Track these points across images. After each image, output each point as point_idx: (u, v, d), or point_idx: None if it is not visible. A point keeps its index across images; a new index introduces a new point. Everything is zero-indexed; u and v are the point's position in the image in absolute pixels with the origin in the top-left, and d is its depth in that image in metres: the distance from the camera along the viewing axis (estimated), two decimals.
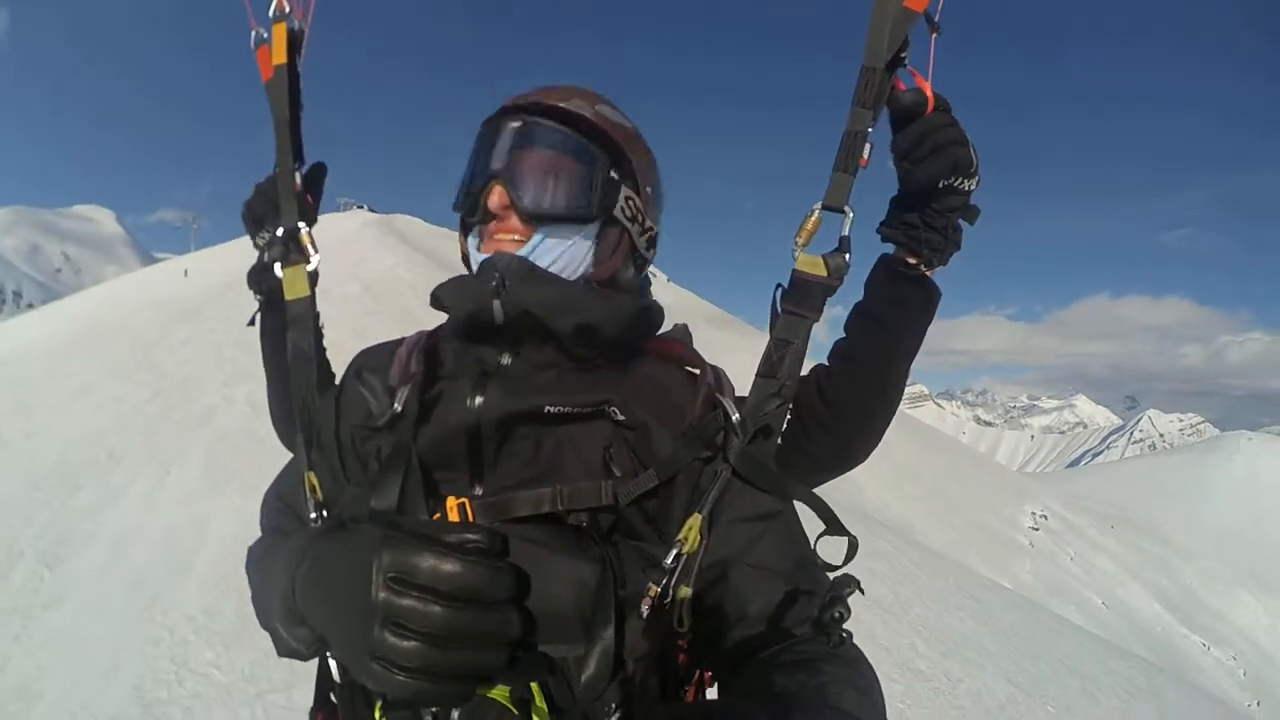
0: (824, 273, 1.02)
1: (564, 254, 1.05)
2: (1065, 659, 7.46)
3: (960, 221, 1.11)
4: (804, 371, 1.11)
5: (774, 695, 0.77)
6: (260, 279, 1.37)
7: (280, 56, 1.18)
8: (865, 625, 6.20)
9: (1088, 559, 29.15)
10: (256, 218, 1.32)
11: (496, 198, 1.02)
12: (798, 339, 1.02)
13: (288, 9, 1.18)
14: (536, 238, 1.03)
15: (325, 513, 1.04)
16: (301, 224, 1.18)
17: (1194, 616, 27.71)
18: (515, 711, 0.82)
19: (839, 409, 1.16)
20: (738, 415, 0.97)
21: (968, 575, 10.79)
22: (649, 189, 1.15)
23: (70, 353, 10.93)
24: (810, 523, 1.00)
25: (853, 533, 0.92)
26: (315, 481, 1.05)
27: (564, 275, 1.05)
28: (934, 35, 1.00)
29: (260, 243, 1.32)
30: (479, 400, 0.99)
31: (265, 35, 1.19)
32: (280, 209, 1.20)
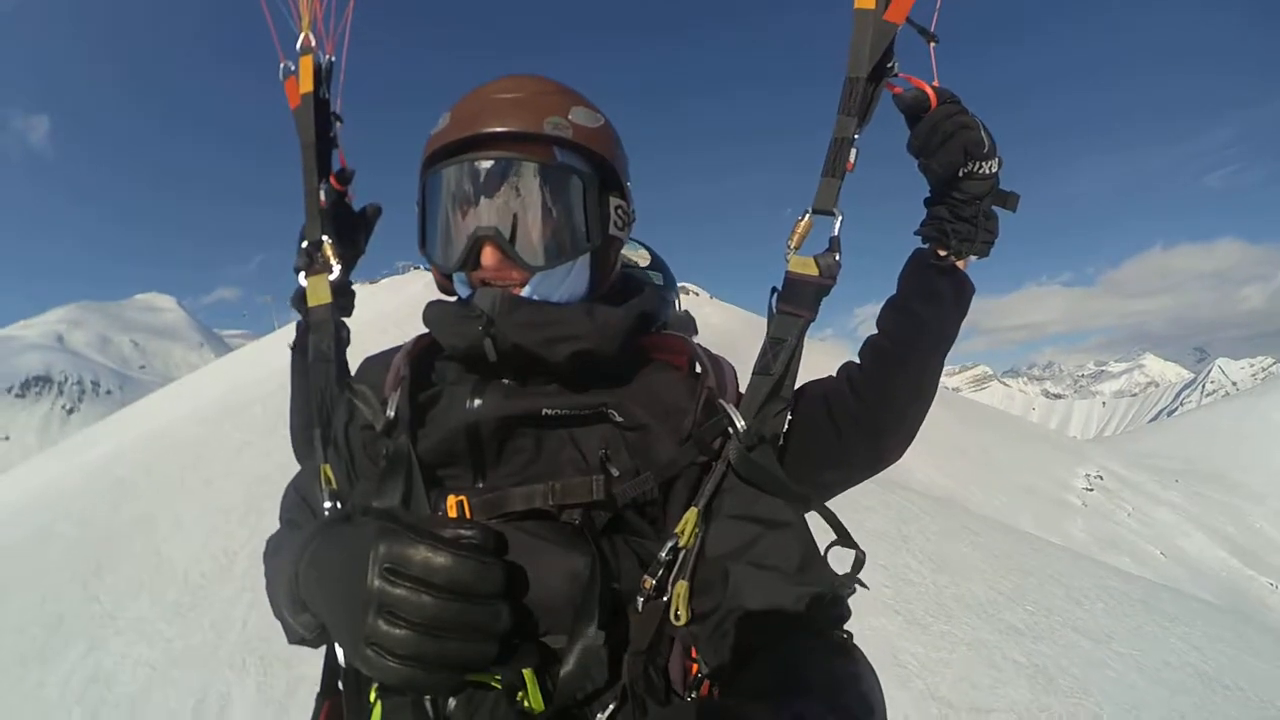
0: (816, 272, 1.03)
1: (563, 284, 1.04)
2: (1057, 574, 8.52)
3: (998, 210, 1.10)
4: (820, 373, 1.12)
5: (769, 693, 0.76)
6: (301, 296, 1.36)
7: (306, 85, 1.28)
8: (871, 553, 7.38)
9: (1146, 513, 28.95)
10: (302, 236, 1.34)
11: (490, 257, 0.99)
12: (791, 337, 1.02)
13: (312, 43, 1.30)
14: (535, 280, 1.00)
15: (339, 504, 1.05)
16: (325, 237, 1.25)
17: (1263, 558, 27.00)
18: (510, 698, 0.84)
19: (873, 405, 1.12)
20: (742, 423, 0.97)
21: (1006, 531, 11.33)
22: (627, 182, 1.12)
23: (220, 418, 12.02)
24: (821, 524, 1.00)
25: (861, 541, 0.94)
26: (330, 474, 1.07)
27: (565, 301, 1.04)
28: (932, 45, 1.06)
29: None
30: (477, 402, 0.99)
31: (293, 68, 1.30)
32: (306, 224, 1.27)
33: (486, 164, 0.99)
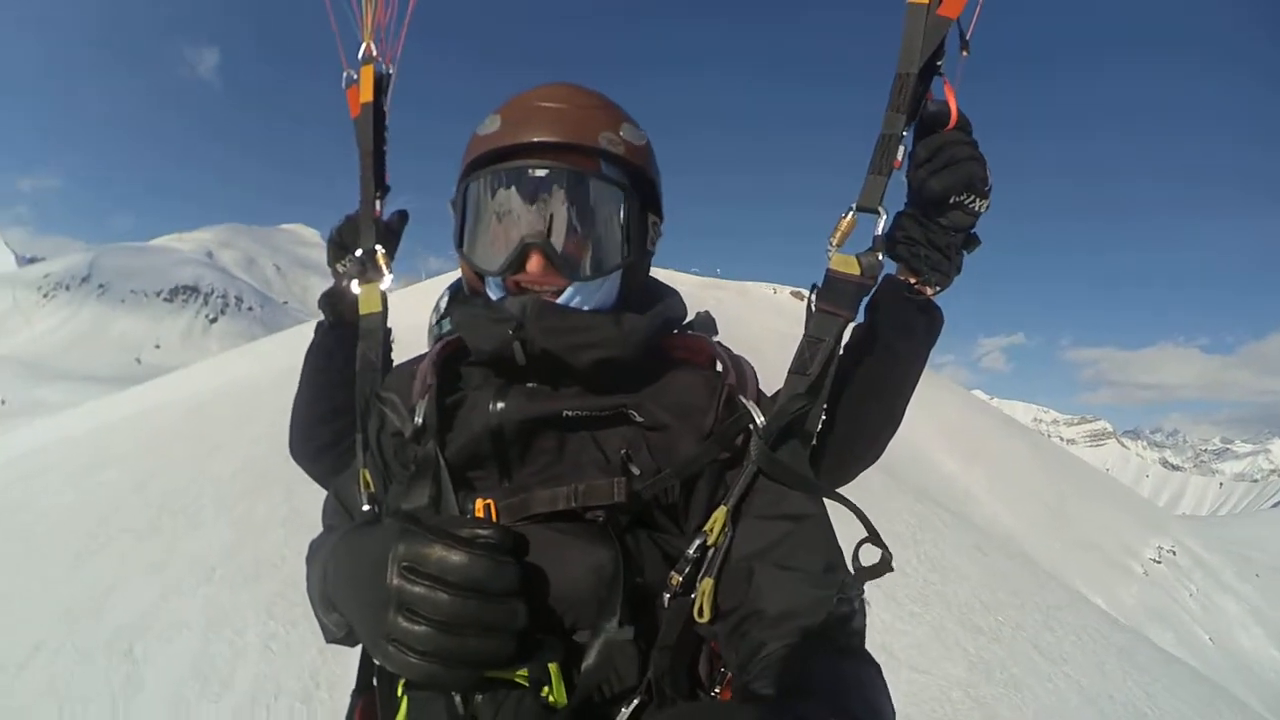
0: (858, 271, 1.02)
1: (596, 294, 1.06)
2: (1043, 604, 9.39)
3: (963, 250, 1.11)
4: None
5: (774, 695, 0.77)
6: (332, 302, 1.39)
7: (366, 95, 1.32)
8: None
9: (1211, 598, 28.14)
10: (342, 244, 1.36)
11: (536, 265, 1.01)
12: (829, 337, 1.01)
13: (374, 53, 1.33)
14: (572, 288, 1.03)
15: (376, 507, 1.09)
16: (379, 246, 1.29)
17: None
18: (535, 693, 0.85)
19: (844, 435, 1.16)
20: (761, 419, 0.98)
21: (1016, 559, 11.92)
22: (662, 198, 1.15)
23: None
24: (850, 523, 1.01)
25: (889, 543, 0.92)
26: (368, 478, 1.11)
27: (594, 309, 1.05)
28: (964, 54, 1.04)
29: (341, 269, 1.36)
30: (500, 405, 1.00)
31: (355, 76, 1.33)
32: (360, 232, 1.31)
33: (540, 172, 1.01)
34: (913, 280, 1.12)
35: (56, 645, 6.00)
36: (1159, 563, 29.42)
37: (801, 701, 0.73)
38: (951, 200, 1.05)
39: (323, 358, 1.40)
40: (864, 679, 0.79)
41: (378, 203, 1.33)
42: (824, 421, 1.11)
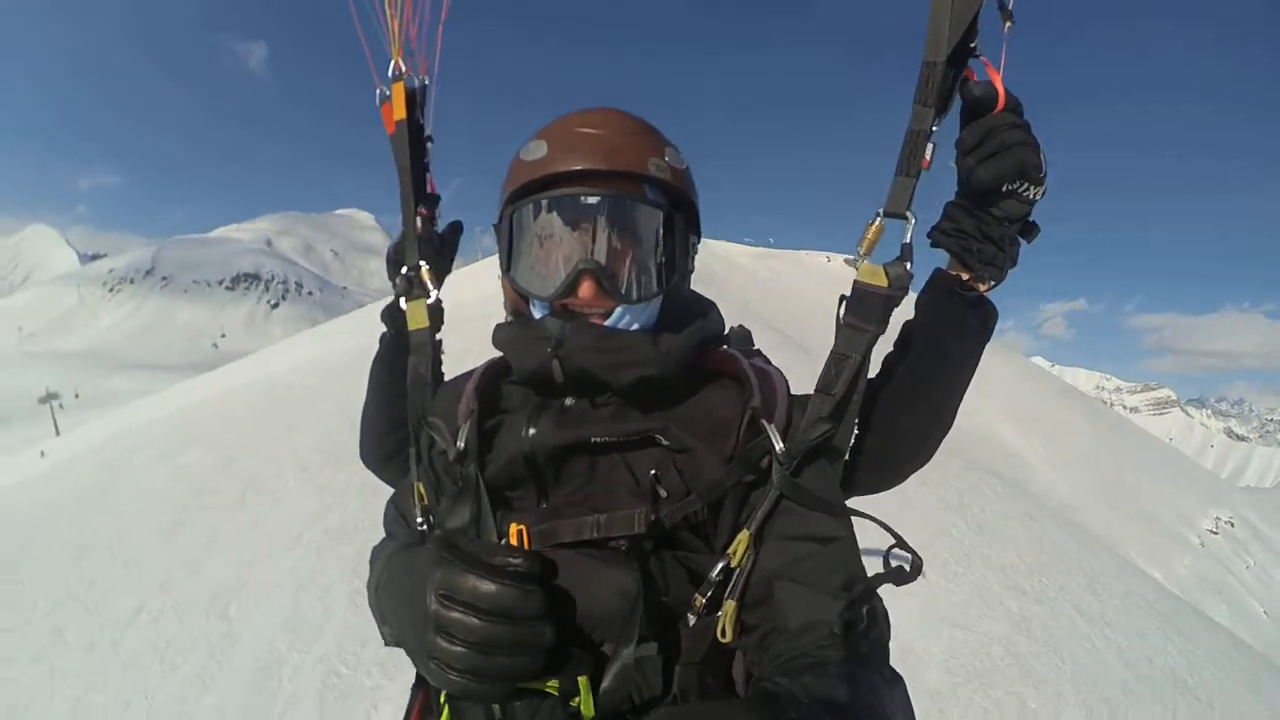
0: (885, 283, 0.99)
1: (642, 315, 1.08)
2: (1089, 569, 9.33)
3: (1019, 239, 1.04)
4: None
5: (776, 697, 0.76)
6: (392, 315, 1.42)
7: (400, 113, 1.29)
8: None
9: (1269, 571, 27.30)
10: (397, 260, 1.36)
11: (588, 291, 1.03)
12: (856, 353, 1.00)
13: (404, 69, 1.31)
14: (619, 310, 1.05)
15: (430, 517, 1.14)
16: (422, 263, 1.30)
17: None
18: (564, 703, 0.91)
19: (892, 436, 1.13)
20: (780, 445, 0.97)
21: (1066, 526, 11.66)
22: (700, 218, 1.15)
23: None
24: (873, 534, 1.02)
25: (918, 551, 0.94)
26: (422, 491, 1.16)
27: (635, 328, 1.07)
28: (1007, 25, 0.95)
29: (395, 284, 1.36)
30: (532, 431, 1.05)
31: (387, 93, 1.31)
32: (405, 249, 1.32)
33: (592, 199, 1.02)
34: (965, 276, 1.07)
35: (157, 608, 6.60)
36: (1215, 534, 28.86)
37: (803, 705, 0.73)
38: (1004, 189, 0.98)
39: (384, 370, 1.44)
40: (877, 686, 0.80)
41: (421, 216, 1.35)
42: (871, 425, 1.13)
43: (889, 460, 1.16)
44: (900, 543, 0.94)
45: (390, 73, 1.31)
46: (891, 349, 1.15)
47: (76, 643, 6.36)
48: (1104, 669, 6.85)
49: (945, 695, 5.78)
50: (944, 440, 1.17)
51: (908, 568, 0.93)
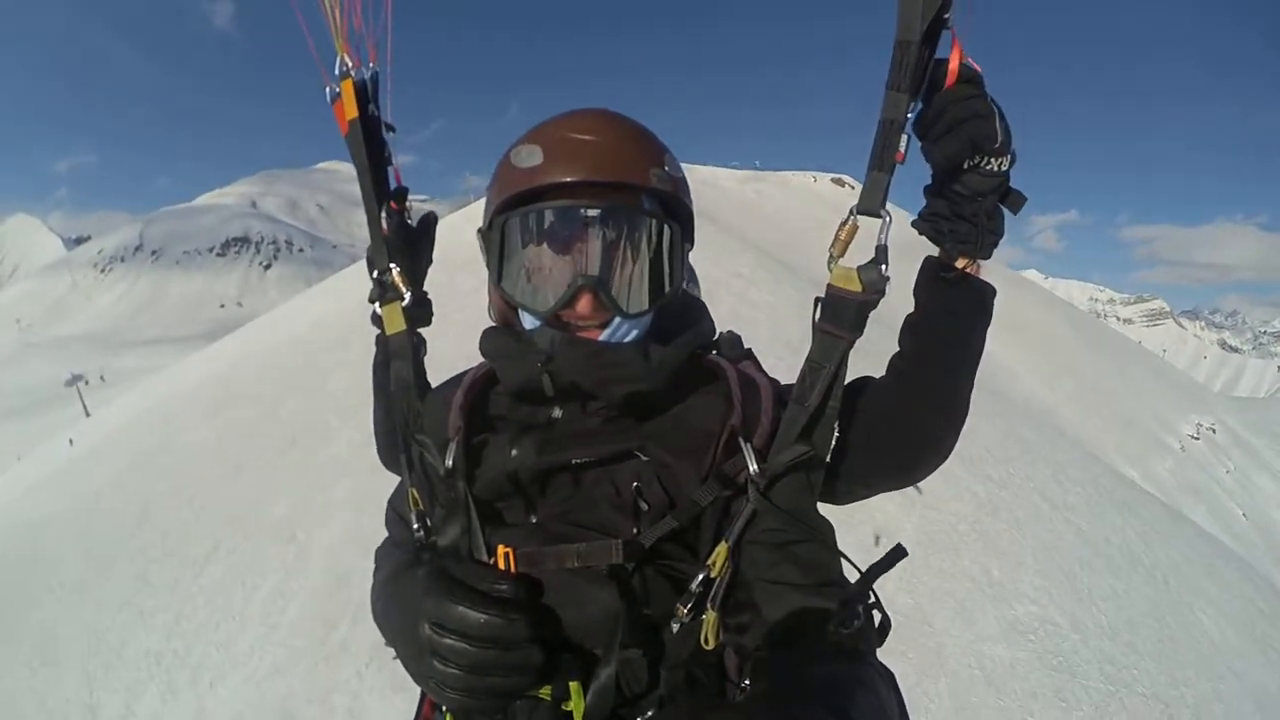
0: (859, 288, 0.96)
1: (637, 327, 1.07)
2: (1054, 460, 9.92)
3: (1004, 208, 0.99)
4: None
5: (769, 696, 0.78)
6: (375, 318, 1.35)
7: (351, 111, 1.21)
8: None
9: (1248, 476, 27.77)
10: (371, 264, 1.30)
11: (586, 305, 1.01)
12: (831, 362, 0.98)
13: (350, 65, 1.22)
14: (615, 323, 1.04)
15: (426, 521, 1.15)
16: (393, 265, 1.23)
17: None
18: (556, 707, 0.97)
19: (903, 431, 1.10)
20: (754, 467, 0.98)
21: (1041, 425, 12.05)
22: (694, 224, 1.14)
23: (445, 275, 14.09)
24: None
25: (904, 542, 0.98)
26: (417, 495, 1.16)
27: (627, 340, 1.06)
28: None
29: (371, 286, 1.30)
30: (515, 452, 1.05)
31: (338, 90, 1.23)
32: (373, 251, 1.25)
33: (592, 212, 0.98)
34: (947, 259, 1.04)
35: (231, 544, 7.49)
36: (1197, 439, 29.36)
37: (795, 703, 0.72)
38: (965, 165, 0.94)
39: (381, 372, 1.37)
40: (864, 680, 0.78)
41: (391, 211, 1.26)
42: (882, 426, 1.11)
43: (907, 453, 1.14)
44: (870, 579, 0.91)
45: (337, 69, 1.22)
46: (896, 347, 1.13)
47: (160, 583, 7.27)
48: (1063, 545, 7.53)
49: (918, 562, 6.48)
50: (960, 424, 1.12)
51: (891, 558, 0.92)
